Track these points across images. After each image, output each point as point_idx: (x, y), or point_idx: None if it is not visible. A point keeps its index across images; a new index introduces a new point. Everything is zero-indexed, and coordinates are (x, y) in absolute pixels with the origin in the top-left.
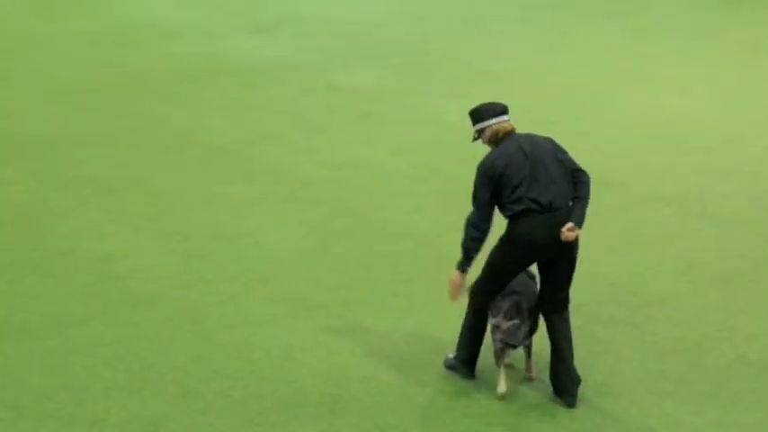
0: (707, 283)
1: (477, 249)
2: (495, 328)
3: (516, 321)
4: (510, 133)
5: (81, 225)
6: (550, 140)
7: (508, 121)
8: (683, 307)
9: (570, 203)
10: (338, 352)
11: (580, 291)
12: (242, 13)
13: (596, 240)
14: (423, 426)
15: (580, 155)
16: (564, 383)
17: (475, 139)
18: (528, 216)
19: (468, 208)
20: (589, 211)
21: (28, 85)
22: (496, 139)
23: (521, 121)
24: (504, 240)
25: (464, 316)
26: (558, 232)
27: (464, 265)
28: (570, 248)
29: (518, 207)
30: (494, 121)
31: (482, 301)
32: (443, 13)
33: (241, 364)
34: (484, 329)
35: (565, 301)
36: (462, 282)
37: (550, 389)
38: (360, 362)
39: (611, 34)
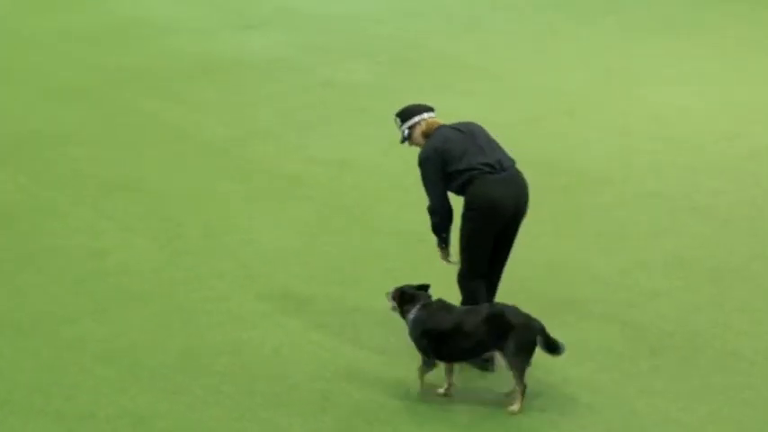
0: (698, 280)
1: (445, 229)
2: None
3: None
4: (440, 126)
5: (73, 222)
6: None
7: (435, 117)
8: (675, 303)
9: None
10: (328, 348)
11: (571, 287)
12: (235, 9)
13: (588, 237)
14: (413, 421)
15: (572, 152)
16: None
17: (404, 140)
18: (482, 178)
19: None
20: (579, 208)
21: (22, 82)
22: (428, 133)
23: (513, 117)
24: (466, 212)
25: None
26: (514, 190)
27: (441, 242)
28: (525, 208)
29: (468, 174)
30: (425, 115)
31: (477, 276)
32: (437, 9)
33: (231, 361)
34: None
35: (512, 244)
36: (448, 252)
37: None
38: (350, 358)
39: (603, 31)
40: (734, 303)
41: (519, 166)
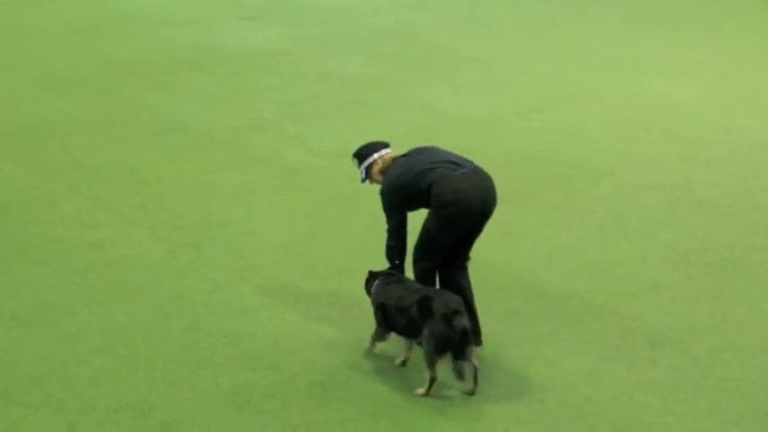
0: (696, 272)
1: (398, 257)
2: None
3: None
4: (393, 159)
5: (70, 213)
6: None
7: (390, 153)
8: (673, 295)
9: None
10: (327, 340)
11: (571, 279)
12: (234, 1)
13: (585, 229)
14: (413, 413)
15: (568, 143)
16: (473, 330)
17: (364, 180)
18: (443, 177)
19: None
20: (578, 199)
21: (18, 72)
22: (384, 170)
23: (510, 109)
24: (434, 210)
25: None
26: (479, 183)
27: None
28: (492, 205)
29: (428, 179)
30: (382, 152)
31: (422, 268)
32: (433, 1)
33: (230, 352)
34: (444, 283)
35: (468, 253)
36: None
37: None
38: (349, 350)
39: (600, 22)
40: (732, 295)
41: (518, 157)
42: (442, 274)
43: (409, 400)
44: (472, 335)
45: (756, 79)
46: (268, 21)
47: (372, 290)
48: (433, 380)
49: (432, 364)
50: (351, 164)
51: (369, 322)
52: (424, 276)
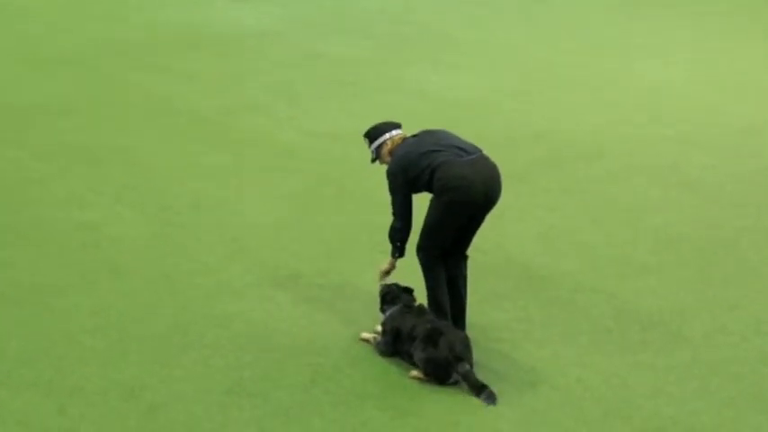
0: (687, 254)
1: (402, 239)
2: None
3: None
4: (403, 139)
5: (61, 193)
6: None
7: (401, 133)
8: (664, 277)
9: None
10: (318, 321)
11: (562, 261)
12: None
13: (578, 211)
14: (403, 395)
15: (561, 126)
16: (456, 319)
17: (374, 159)
18: (448, 162)
19: None
20: (569, 181)
21: (9, 54)
22: (393, 150)
23: (501, 91)
24: (437, 197)
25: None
26: (483, 171)
27: (394, 251)
28: (496, 195)
29: (433, 163)
30: (392, 133)
31: (435, 253)
32: None
33: (220, 333)
34: (444, 279)
35: (468, 245)
36: (393, 265)
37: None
38: (339, 332)
39: (592, 4)
40: (723, 277)
41: (509, 139)
42: (441, 265)
43: (398, 382)
44: (470, 341)
45: (748, 61)
46: (259, 1)
47: (389, 314)
48: (426, 380)
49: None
50: (342, 145)
51: (359, 303)
52: (426, 264)
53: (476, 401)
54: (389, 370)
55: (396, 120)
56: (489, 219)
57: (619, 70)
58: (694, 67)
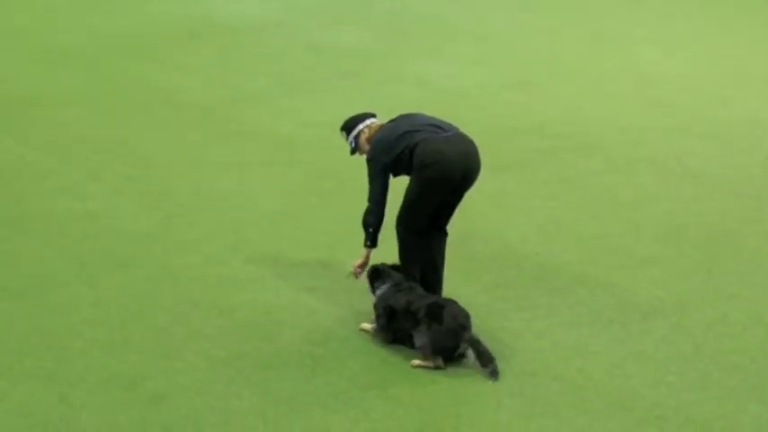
0: (688, 245)
1: (373, 224)
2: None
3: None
4: (380, 126)
5: (62, 185)
6: None
7: (376, 122)
8: (665, 268)
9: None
10: (319, 312)
11: (563, 251)
12: None
13: (579, 202)
14: (404, 384)
15: (560, 115)
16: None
17: (353, 151)
18: (426, 139)
19: None
20: (570, 172)
21: (10, 45)
22: (371, 138)
23: (501, 82)
24: (417, 173)
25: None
26: (461, 148)
27: (366, 239)
28: (474, 173)
29: (411, 141)
30: (367, 122)
31: (414, 229)
32: None
33: (221, 324)
34: (420, 249)
35: (447, 224)
36: (367, 257)
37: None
38: (340, 322)
39: None
40: (724, 268)
41: (509, 129)
42: (419, 241)
43: (400, 372)
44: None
45: (750, 51)
46: None
47: (379, 294)
48: (436, 367)
49: (427, 357)
50: (342, 136)
51: (360, 294)
52: (404, 238)
53: (477, 390)
54: (391, 360)
55: (397, 110)
56: (490, 208)
57: (620, 61)
58: (696, 58)
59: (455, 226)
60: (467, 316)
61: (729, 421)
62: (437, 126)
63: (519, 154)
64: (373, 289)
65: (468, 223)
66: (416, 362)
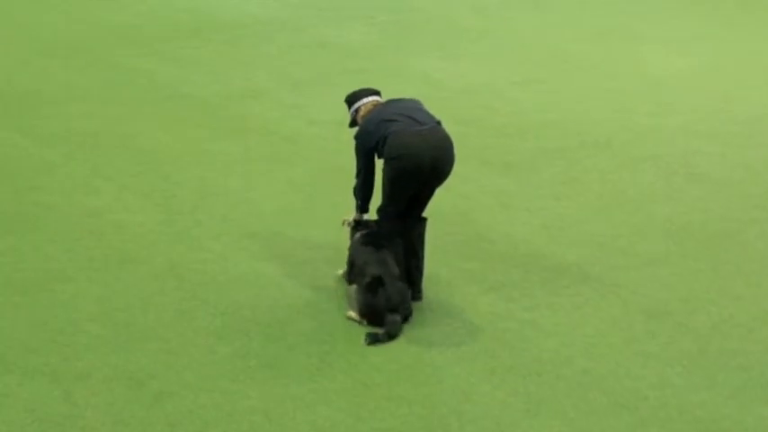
0: (694, 245)
1: (362, 195)
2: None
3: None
4: (375, 105)
5: (67, 180)
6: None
7: (378, 100)
8: (670, 268)
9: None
10: (325, 310)
11: (568, 251)
12: None
13: (584, 201)
14: (409, 383)
15: (567, 114)
16: (414, 280)
17: (352, 123)
18: (397, 132)
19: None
20: (576, 171)
21: (14, 40)
22: (366, 115)
23: (507, 79)
24: (385, 162)
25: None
26: (431, 143)
27: (358, 207)
28: (445, 168)
29: (385, 131)
30: (368, 99)
31: (394, 214)
32: None
33: (227, 321)
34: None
35: (422, 211)
36: (360, 218)
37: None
38: (346, 320)
39: None
40: (729, 268)
41: (515, 128)
42: (396, 226)
43: (405, 371)
44: (408, 292)
45: (757, 50)
46: None
47: (352, 241)
48: (361, 322)
49: (357, 313)
50: (348, 133)
51: None
52: (385, 220)
53: (482, 390)
54: (396, 359)
55: None
56: (496, 208)
57: (627, 59)
58: (703, 56)
59: (461, 225)
60: (403, 298)
61: (735, 422)
62: (413, 118)
63: (524, 152)
64: (351, 237)
65: (473, 222)
66: (351, 313)
